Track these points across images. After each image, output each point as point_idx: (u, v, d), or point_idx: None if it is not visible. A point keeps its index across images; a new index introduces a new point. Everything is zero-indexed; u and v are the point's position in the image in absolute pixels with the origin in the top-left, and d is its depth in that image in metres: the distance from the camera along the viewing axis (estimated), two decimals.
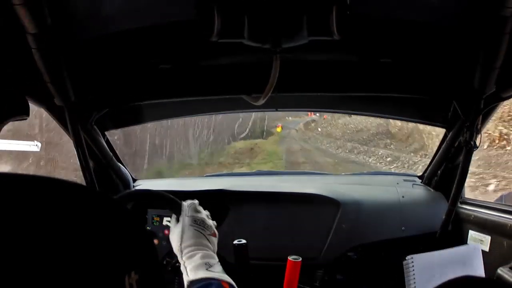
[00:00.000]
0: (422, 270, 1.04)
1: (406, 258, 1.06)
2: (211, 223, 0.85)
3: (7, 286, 0.22)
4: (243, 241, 0.99)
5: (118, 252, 0.29)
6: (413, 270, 1.03)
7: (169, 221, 1.31)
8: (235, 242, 0.99)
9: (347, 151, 13.23)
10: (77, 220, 0.27)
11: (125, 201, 1.26)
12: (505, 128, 6.66)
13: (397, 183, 1.42)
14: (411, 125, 10.51)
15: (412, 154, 9.93)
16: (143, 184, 1.54)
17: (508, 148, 6.51)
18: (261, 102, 1.01)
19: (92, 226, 0.28)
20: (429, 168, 1.38)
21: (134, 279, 0.28)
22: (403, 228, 1.26)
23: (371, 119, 12.90)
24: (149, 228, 1.17)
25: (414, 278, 1.03)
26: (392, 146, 11.94)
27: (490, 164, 6.23)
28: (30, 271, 0.23)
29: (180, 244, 0.78)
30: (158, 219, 1.35)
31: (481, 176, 5.76)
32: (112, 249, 0.28)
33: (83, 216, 0.28)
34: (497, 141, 6.68)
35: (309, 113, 16.91)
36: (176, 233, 0.81)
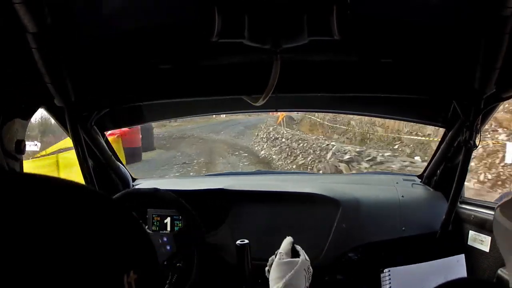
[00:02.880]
0: (400, 283, 1.00)
1: (383, 270, 1.03)
2: None
3: (4, 286, 0.22)
4: (246, 241, 0.99)
5: (117, 252, 0.29)
6: (390, 283, 1.00)
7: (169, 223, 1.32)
8: (238, 242, 0.99)
9: None
10: (75, 219, 0.27)
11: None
12: None
13: (397, 183, 1.42)
14: None
15: None
16: (142, 183, 1.54)
17: None
18: (261, 102, 1.01)
19: (91, 225, 0.28)
20: (429, 168, 1.38)
21: (132, 278, 0.28)
22: (403, 228, 1.26)
23: None
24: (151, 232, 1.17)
25: None
26: None
27: None
28: (27, 270, 0.23)
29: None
30: (158, 218, 1.35)
31: None
32: (111, 248, 0.28)
33: (81, 215, 0.28)
34: None
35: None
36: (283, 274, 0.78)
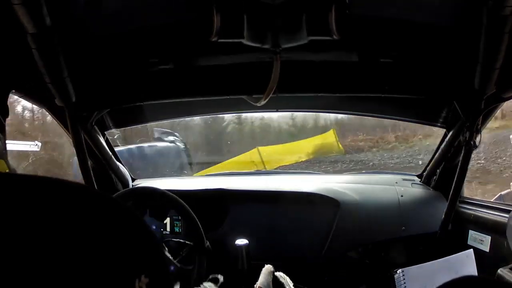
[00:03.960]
0: (414, 282, 1.01)
1: (397, 271, 1.04)
2: None
3: None
4: (245, 241, 1.00)
5: (128, 256, 0.29)
6: (405, 283, 1.02)
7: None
8: (237, 242, 0.99)
9: None
10: (86, 224, 0.27)
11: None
12: None
13: (396, 182, 1.42)
14: None
15: None
16: (142, 184, 1.54)
17: None
18: (263, 102, 1.01)
19: (102, 230, 0.28)
20: (428, 168, 1.38)
21: (144, 282, 0.28)
22: (403, 228, 1.26)
23: None
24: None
25: None
26: None
27: None
28: (38, 277, 0.23)
29: None
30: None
31: None
32: (122, 252, 0.28)
33: (93, 219, 0.28)
34: None
35: None
36: None
